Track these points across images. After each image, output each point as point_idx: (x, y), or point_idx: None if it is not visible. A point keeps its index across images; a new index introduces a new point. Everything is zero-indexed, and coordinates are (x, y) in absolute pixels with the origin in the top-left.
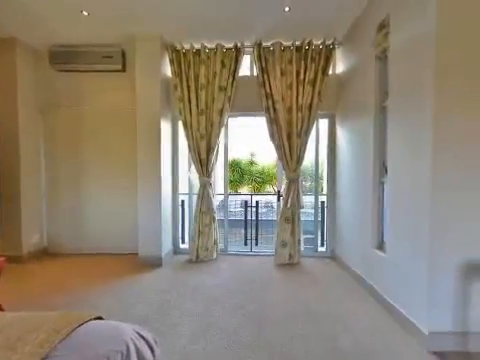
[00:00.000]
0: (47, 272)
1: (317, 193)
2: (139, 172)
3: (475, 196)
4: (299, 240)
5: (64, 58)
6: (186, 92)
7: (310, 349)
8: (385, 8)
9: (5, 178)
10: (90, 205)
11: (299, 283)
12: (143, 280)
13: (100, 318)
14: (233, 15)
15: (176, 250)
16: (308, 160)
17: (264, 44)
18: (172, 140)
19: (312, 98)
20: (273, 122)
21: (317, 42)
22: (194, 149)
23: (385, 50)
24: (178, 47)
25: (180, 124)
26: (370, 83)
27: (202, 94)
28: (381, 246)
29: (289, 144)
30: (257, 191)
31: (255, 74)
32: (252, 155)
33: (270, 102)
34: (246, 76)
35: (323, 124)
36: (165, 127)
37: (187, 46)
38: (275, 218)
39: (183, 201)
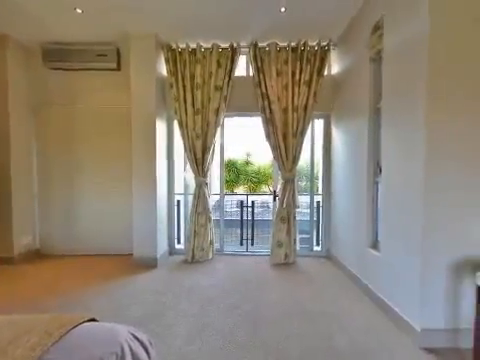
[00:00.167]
0: (39, 274)
1: (312, 193)
2: (134, 172)
3: (466, 196)
4: (295, 240)
5: (57, 56)
6: (182, 91)
7: (306, 348)
8: (379, 10)
9: None
10: (83, 205)
11: (295, 283)
12: (138, 281)
13: (94, 320)
14: (229, 15)
15: (172, 250)
16: (303, 160)
17: (260, 44)
18: (167, 140)
19: (307, 99)
20: (269, 122)
21: (312, 43)
22: (190, 149)
23: (379, 52)
24: (174, 46)
25: (176, 123)
26: (364, 84)
27: (198, 94)
28: (375, 245)
29: (285, 144)
30: (253, 191)
31: (251, 74)
32: (248, 155)
33: (266, 102)
34: (242, 76)
35: (318, 124)
36: (160, 126)
37: (183, 45)
38: (271, 218)
39: (179, 201)
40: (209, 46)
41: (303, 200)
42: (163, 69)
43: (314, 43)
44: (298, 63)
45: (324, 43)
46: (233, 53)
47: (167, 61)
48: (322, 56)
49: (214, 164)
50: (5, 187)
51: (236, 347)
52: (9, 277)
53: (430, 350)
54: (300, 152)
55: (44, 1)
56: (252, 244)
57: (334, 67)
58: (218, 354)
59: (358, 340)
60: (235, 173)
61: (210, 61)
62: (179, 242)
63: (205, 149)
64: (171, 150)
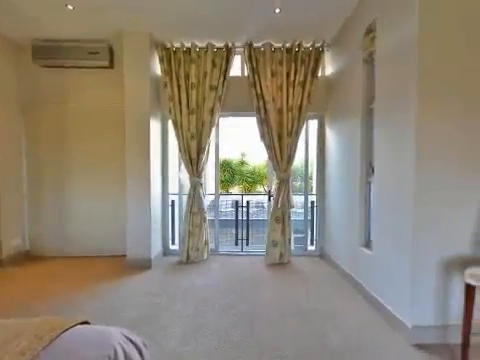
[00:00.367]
0: (29, 276)
1: (307, 193)
2: (128, 172)
3: (454, 196)
4: (289, 239)
5: (48, 53)
6: (176, 91)
7: (300, 346)
8: (372, 13)
9: None
10: (75, 206)
11: (289, 282)
12: (132, 283)
13: (86, 323)
14: (224, 14)
15: (166, 251)
16: (298, 160)
17: (255, 45)
18: (162, 139)
19: (302, 99)
20: (264, 122)
21: (307, 44)
22: (184, 149)
23: (372, 54)
24: (168, 45)
25: (170, 123)
26: (357, 86)
27: (193, 93)
28: (368, 244)
29: (280, 144)
30: (248, 191)
31: (246, 74)
32: (243, 155)
33: (261, 103)
34: (237, 76)
35: (313, 125)
36: (155, 126)
37: (177, 44)
38: (266, 218)
39: (173, 201)
40: (204, 46)
41: (297, 200)
42: (157, 68)
43: (308, 44)
44: (293, 64)
45: (318, 44)
46: (228, 53)
47: (161, 60)
48: (316, 57)
49: (209, 164)
50: None
51: (231, 347)
52: None
53: (420, 346)
54: (295, 152)
55: None
56: (247, 244)
57: (328, 68)
58: (213, 354)
59: (352, 338)
60: (230, 173)
61: (205, 61)
62: (173, 243)
63: (200, 149)
64: (165, 150)
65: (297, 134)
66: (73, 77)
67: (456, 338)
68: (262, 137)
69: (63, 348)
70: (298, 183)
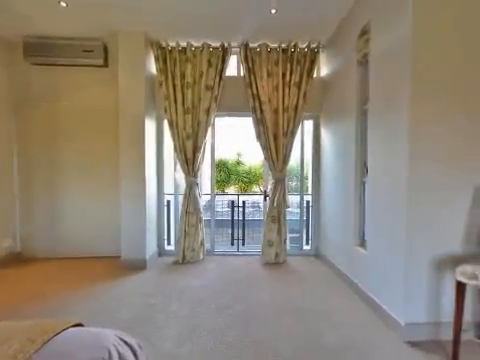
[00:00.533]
0: (21, 278)
1: (302, 193)
2: (122, 172)
3: (446, 196)
4: (285, 239)
5: (40, 51)
6: (172, 90)
7: (296, 346)
8: (367, 14)
9: None
10: (68, 206)
11: (285, 282)
12: (126, 283)
13: (80, 325)
14: (220, 14)
15: (161, 252)
16: (294, 160)
17: (251, 45)
18: (157, 139)
19: (298, 100)
20: (260, 123)
21: (302, 45)
22: (180, 149)
23: (366, 55)
24: (163, 44)
25: (165, 123)
26: (352, 86)
27: (188, 93)
28: (363, 244)
29: (275, 145)
30: (244, 191)
31: (242, 74)
32: (239, 155)
33: (257, 103)
34: (233, 76)
35: (308, 125)
36: (150, 125)
37: (173, 44)
38: (262, 218)
39: (169, 201)
40: (200, 45)
41: (293, 200)
42: (152, 67)
43: (304, 45)
44: (288, 64)
45: (314, 45)
46: (224, 53)
47: (157, 59)
48: (312, 58)
49: (205, 164)
50: None
51: (227, 347)
52: None
53: (413, 343)
54: (290, 152)
55: None
56: (243, 244)
57: (323, 69)
58: (209, 355)
59: (347, 337)
60: (226, 173)
61: (201, 60)
62: (169, 243)
63: (196, 149)
64: (161, 149)
65: (293, 134)
66: (67, 75)
67: (448, 335)
68: (258, 137)
69: (56, 351)
70: (294, 183)
